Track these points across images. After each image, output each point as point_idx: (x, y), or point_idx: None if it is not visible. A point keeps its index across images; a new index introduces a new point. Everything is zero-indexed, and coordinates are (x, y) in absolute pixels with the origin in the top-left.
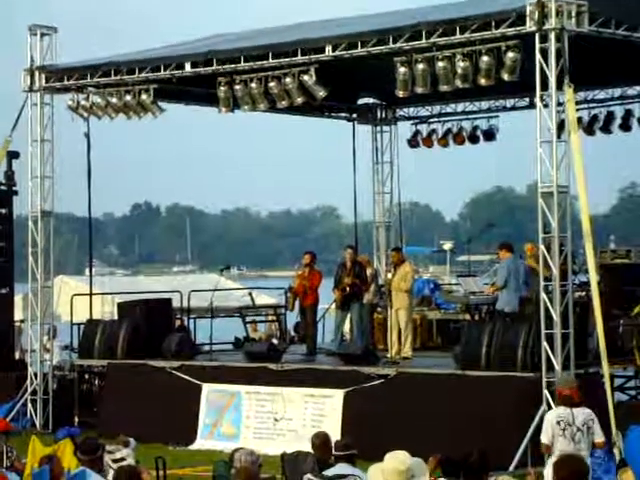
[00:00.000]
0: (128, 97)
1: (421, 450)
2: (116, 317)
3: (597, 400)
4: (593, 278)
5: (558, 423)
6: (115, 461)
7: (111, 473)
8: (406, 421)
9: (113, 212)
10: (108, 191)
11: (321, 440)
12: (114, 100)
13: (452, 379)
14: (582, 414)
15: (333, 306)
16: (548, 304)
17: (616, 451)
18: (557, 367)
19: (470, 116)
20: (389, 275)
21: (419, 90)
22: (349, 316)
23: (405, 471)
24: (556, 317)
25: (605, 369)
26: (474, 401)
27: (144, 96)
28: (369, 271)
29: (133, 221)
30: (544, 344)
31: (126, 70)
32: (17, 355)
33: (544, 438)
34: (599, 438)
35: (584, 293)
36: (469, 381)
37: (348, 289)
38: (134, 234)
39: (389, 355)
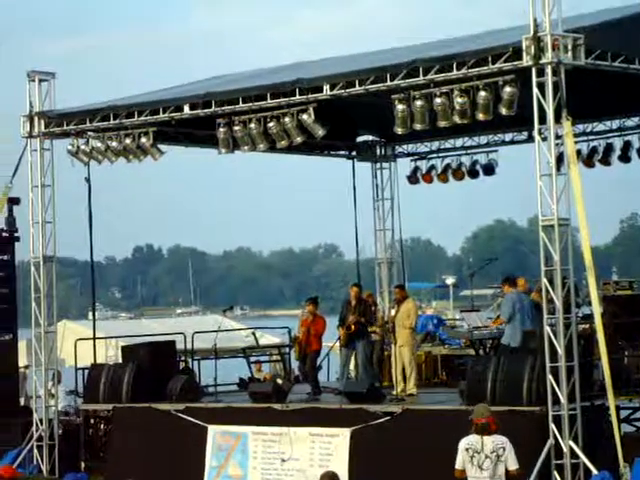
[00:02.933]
0: (128, 140)
1: None
2: (120, 360)
3: (603, 432)
4: (596, 310)
5: (467, 450)
6: None
7: None
8: (413, 458)
9: (115, 255)
10: (110, 234)
11: (330, 479)
12: (114, 144)
13: (458, 415)
14: (492, 442)
15: (337, 344)
16: (552, 337)
17: None
18: (563, 400)
19: (469, 151)
20: (392, 312)
21: (418, 126)
22: (354, 354)
23: None
24: (560, 350)
25: (611, 401)
26: None
27: (144, 139)
28: (374, 307)
29: (135, 264)
30: (549, 377)
31: (125, 114)
32: (22, 401)
33: (457, 464)
34: (512, 466)
35: (588, 325)
36: None
37: (353, 327)
38: (136, 277)
39: (394, 392)
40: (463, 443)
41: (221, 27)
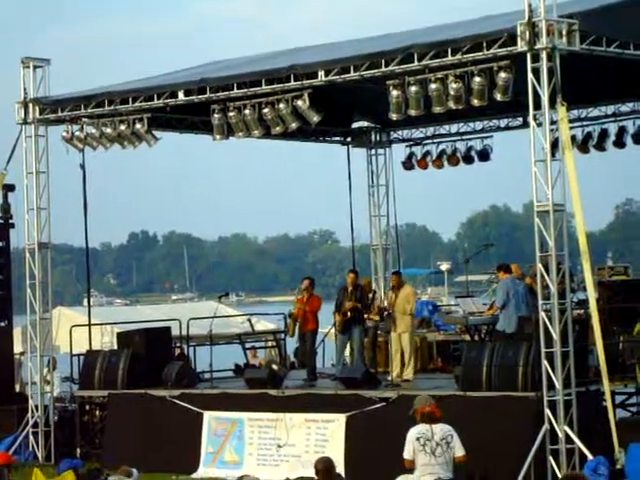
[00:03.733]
0: (122, 127)
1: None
2: (115, 347)
3: (599, 417)
4: (591, 295)
5: (418, 439)
6: None
7: None
8: None
9: (110, 242)
10: (105, 221)
11: (324, 465)
12: (108, 130)
13: (453, 400)
14: (441, 430)
15: (332, 330)
16: (547, 323)
17: (619, 467)
18: (558, 386)
19: (464, 137)
20: (391, 297)
21: (412, 112)
22: (350, 340)
23: None
24: (556, 336)
25: (606, 386)
26: (476, 422)
27: (138, 125)
28: (371, 294)
29: (130, 250)
30: (544, 363)
31: (120, 100)
32: (17, 388)
33: (406, 454)
34: (459, 453)
35: (583, 311)
36: (470, 402)
37: (349, 313)
38: (131, 263)
39: (390, 378)
40: (413, 433)
41: (220, 15)
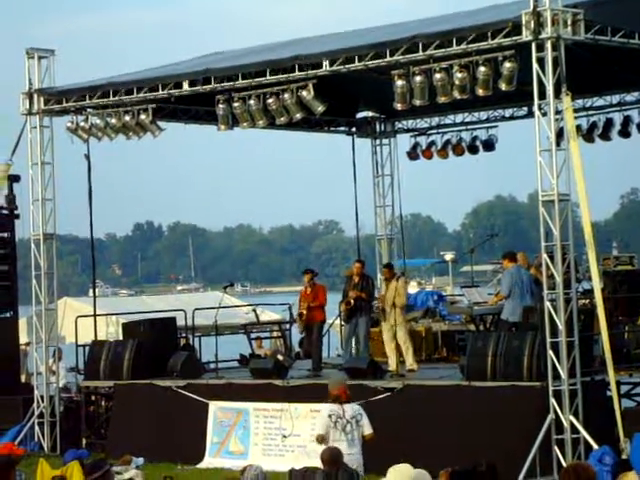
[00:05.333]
0: (127, 117)
1: (430, 462)
2: (121, 337)
3: (604, 407)
4: (597, 285)
5: (330, 417)
6: None
7: None
8: (414, 434)
9: (115, 233)
10: (110, 212)
11: (330, 455)
12: (113, 121)
13: (458, 390)
14: (351, 409)
15: (337, 321)
16: (552, 312)
17: (624, 457)
18: (563, 375)
19: (469, 127)
20: (383, 289)
21: (417, 102)
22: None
23: None
24: (561, 325)
25: (611, 376)
26: (481, 412)
27: (143, 116)
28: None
29: (135, 241)
30: (549, 353)
31: (124, 90)
32: (23, 378)
33: (319, 429)
34: (367, 430)
35: (588, 300)
36: (475, 392)
37: (352, 302)
38: (137, 254)
39: (390, 368)
40: (326, 410)
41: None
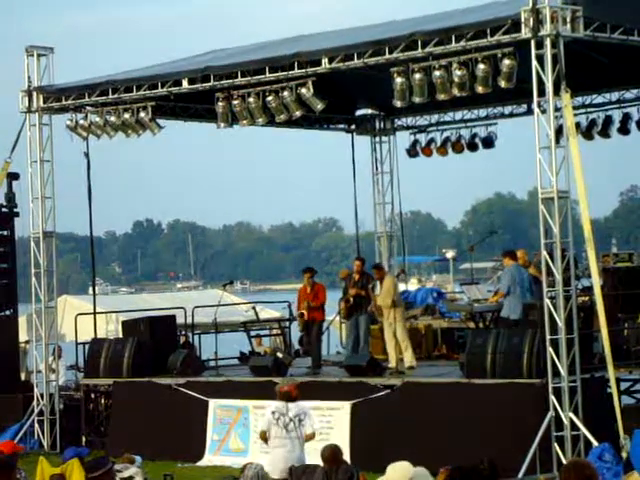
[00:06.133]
0: (126, 115)
1: (429, 459)
2: (121, 335)
3: (604, 404)
4: (596, 282)
5: (273, 413)
6: None
7: None
8: (414, 431)
9: (115, 230)
10: (109, 209)
11: (331, 452)
12: (112, 119)
13: (458, 387)
14: (296, 408)
15: (337, 318)
16: (552, 310)
17: (624, 455)
18: (563, 372)
19: (468, 124)
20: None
21: (417, 100)
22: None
23: None
24: (560, 322)
25: (611, 373)
26: (481, 409)
27: (142, 114)
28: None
29: (135, 239)
30: (549, 350)
31: (124, 88)
32: (23, 376)
33: (262, 426)
34: (309, 430)
35: (587, 298)
36: (475, 389)
37: (351, 300)
38: (136, 252)
39: (390, 365)
40: (270, 407)
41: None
